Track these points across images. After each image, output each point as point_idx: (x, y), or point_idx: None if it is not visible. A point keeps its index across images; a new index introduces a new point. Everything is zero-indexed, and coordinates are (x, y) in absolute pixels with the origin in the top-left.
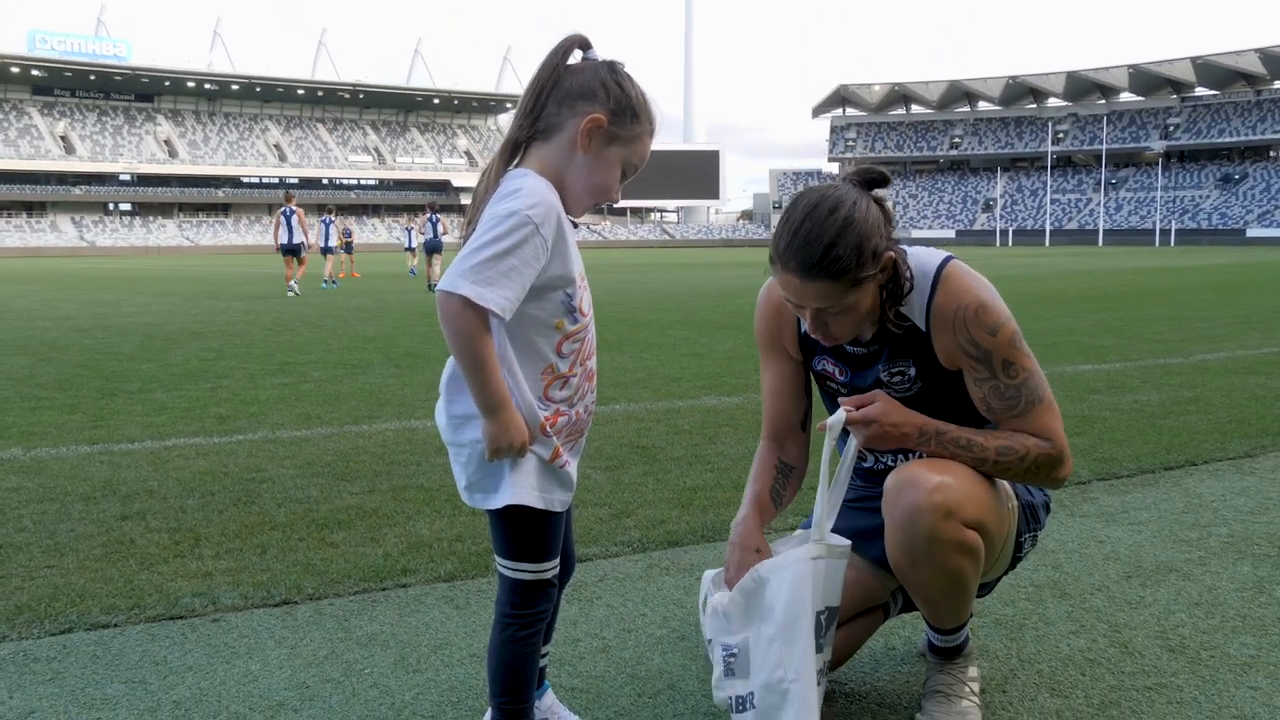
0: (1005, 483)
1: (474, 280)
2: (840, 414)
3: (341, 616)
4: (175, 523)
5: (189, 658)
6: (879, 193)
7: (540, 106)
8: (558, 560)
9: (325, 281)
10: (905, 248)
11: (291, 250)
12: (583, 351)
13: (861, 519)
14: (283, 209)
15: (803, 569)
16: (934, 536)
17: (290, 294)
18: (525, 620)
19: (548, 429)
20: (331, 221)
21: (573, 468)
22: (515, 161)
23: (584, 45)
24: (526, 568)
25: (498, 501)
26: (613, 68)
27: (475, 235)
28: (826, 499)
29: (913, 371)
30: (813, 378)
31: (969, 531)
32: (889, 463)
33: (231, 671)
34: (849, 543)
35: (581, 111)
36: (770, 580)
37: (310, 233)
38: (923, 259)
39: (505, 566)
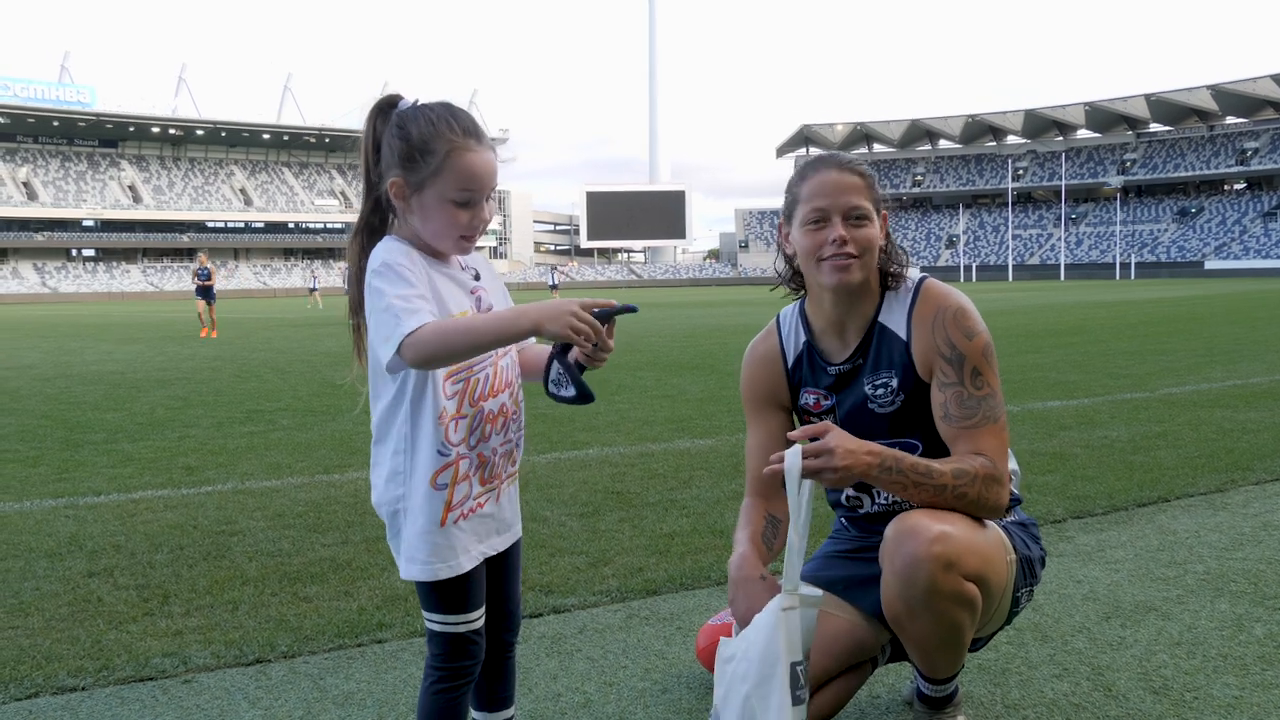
0: (1005, 536)
1: (402, 326)
2: (795, 454)
3: (316, 675)
4: (144, 579)
5: None
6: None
7: (373, 191)
8: (480, 612)
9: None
10: None
11: None
12: (470, 391)
13: (858, 568)
14: None
15: (774, 619)
16: (933, 588)
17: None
18: (447, 673)
19: (439, 481)
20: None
21: (488, 509)
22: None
23: (389, 106)
24: (443, 619)
25: (404, 572)
26: (391, 123)
27: (370, 311)
28: (794, 548)
29: (895, 383)
30: (796, 422)
31: (968, 584)
32: (884, 502)
33: None
34: (820, 593)
35: (388, 181)
36: (745, 633)
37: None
38: (906, 274)
39: (427, 618)
